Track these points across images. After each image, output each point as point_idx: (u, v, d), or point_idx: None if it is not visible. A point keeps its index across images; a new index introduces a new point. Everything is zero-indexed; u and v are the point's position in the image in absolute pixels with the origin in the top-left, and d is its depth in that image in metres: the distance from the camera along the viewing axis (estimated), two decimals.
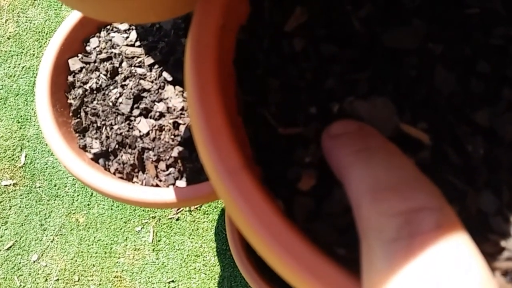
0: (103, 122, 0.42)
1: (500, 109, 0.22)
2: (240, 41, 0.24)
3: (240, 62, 0.24)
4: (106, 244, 0.72)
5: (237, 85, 0.23)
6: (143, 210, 0.75)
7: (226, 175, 0.18)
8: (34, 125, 0.82)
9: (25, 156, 0.79)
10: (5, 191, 0.76)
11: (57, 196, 0.76)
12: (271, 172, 0.21)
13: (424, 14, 0.24)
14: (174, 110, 0.42)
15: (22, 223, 0.74)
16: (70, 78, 0.44)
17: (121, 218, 0.74)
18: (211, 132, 0.18)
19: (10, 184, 0.77)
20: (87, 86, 0.43)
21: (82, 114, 0.43)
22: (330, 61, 0.24)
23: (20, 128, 0.81)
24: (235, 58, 0.24)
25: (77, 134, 0.42)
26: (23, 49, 0.89)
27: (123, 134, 0.41)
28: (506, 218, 0.19)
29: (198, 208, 0.75)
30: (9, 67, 0.87)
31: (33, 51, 0.89)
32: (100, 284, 0.69)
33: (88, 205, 0.75)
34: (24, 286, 0.69)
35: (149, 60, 0.44)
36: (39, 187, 0.77)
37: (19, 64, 0.88)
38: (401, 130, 0.21)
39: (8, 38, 0.90)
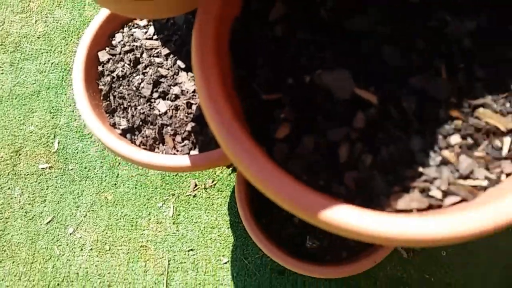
0: (128, 104, 0.49)
1: (430, 74, 0.28)
2: (234, 28, 0.31)
3: (234, 45, 0.30)
4: (132, 218, 0.81)
5: (232, 62, 0.30)
6: (164, 189, 0.83)
7: (220, 124, 0.25)
8: (65, 115, 0.91)
9: (58, 143, 0.88)
10: (42, 174, 0.86)
11: (87, 177, 0.85)
12: (257, 126, 0.28)
13: (377, 3, 0.30)
14: (187, 92, 0.49)
15: (58, 201, 0.83)
16: (100, 68, 0.52)
17: (144, 196, 0.82)
18: (209, 93, 0.25)
19: (46, 167, 0.86)
20: (114, 74, 0.51)
21: (111, 97, 0.51)
22: (304, 43, 0.31)
23: (53, 118, 0.90)
24: (230, 41, 0.30)
25: (107, 114, 0.50)
26: (52, 46, 0.98)
27: (145, 113, 0.48)
28: (427, 154, 0.25)
29: (213, 186, 0.82)
30: (40, 63, 0.96)
31: (61, 48, 0.98)
32: (128, 252, 0.78)
33: (115, 184, 0.84)
34: (63, 255, 0.79)
35: (165, 51, 0.51)
36: (72, 169, 0.86)
37: (48, 61, 0.97)
38: (356, 93, 0.27)
39: (38, 37, 0.99)
